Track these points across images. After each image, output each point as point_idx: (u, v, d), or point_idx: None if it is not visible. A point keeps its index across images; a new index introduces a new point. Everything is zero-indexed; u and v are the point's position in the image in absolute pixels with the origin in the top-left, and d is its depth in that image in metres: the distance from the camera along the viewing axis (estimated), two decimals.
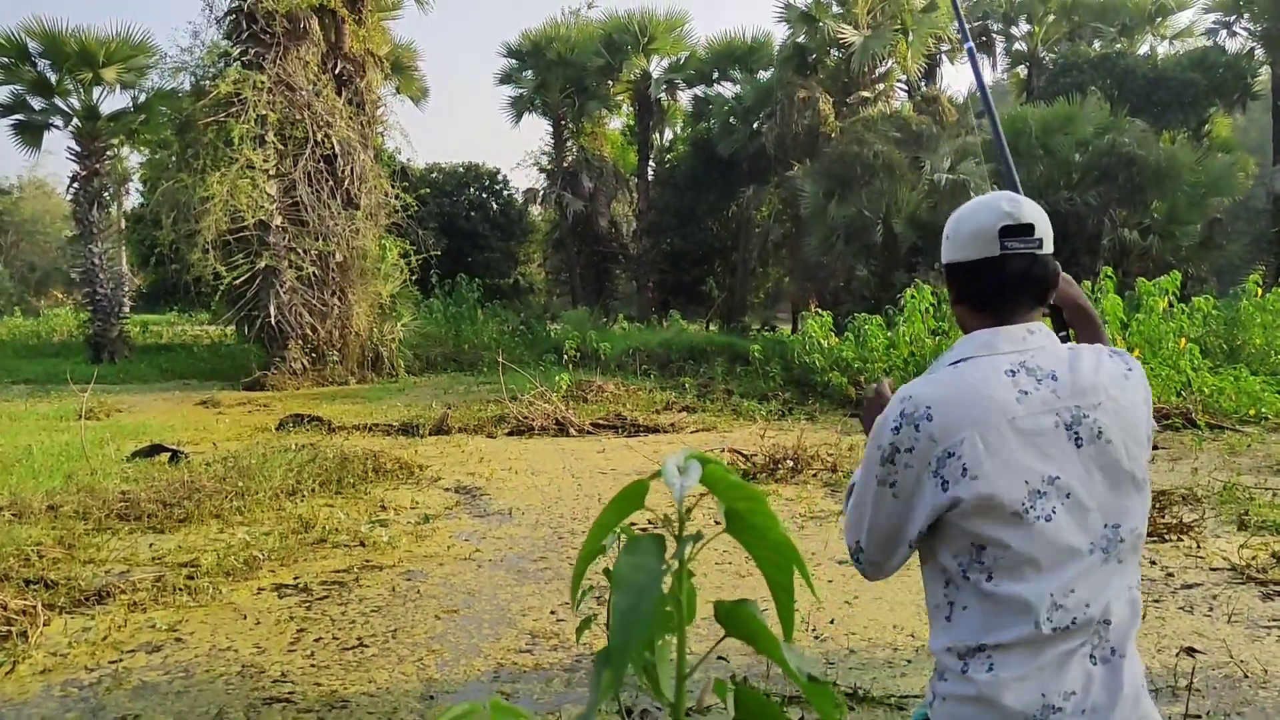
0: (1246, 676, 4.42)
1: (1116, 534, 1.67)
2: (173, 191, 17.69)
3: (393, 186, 20.10)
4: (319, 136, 18.30)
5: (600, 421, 12.48)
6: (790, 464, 9.28)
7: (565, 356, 18.01)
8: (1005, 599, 1.65)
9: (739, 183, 27.43)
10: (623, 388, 15.29)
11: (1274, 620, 5.14)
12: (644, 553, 0.94)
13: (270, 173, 17.67)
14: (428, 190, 24.86)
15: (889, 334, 15.06)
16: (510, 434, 11.91)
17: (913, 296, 14.95)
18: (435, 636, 5.04)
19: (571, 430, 11.98)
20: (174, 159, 18.78)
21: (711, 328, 28.59)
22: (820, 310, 18.28)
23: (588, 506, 7.92)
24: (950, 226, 1.84)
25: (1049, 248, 1.77)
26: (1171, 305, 14.05)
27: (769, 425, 12.24)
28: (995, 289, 1.77)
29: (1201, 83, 27.22)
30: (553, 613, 5.40)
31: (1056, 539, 1.63)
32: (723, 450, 9.72)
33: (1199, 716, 4.00)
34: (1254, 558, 6.18)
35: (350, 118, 19.15)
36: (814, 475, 9.08)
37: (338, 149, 18.62)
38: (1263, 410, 11.79)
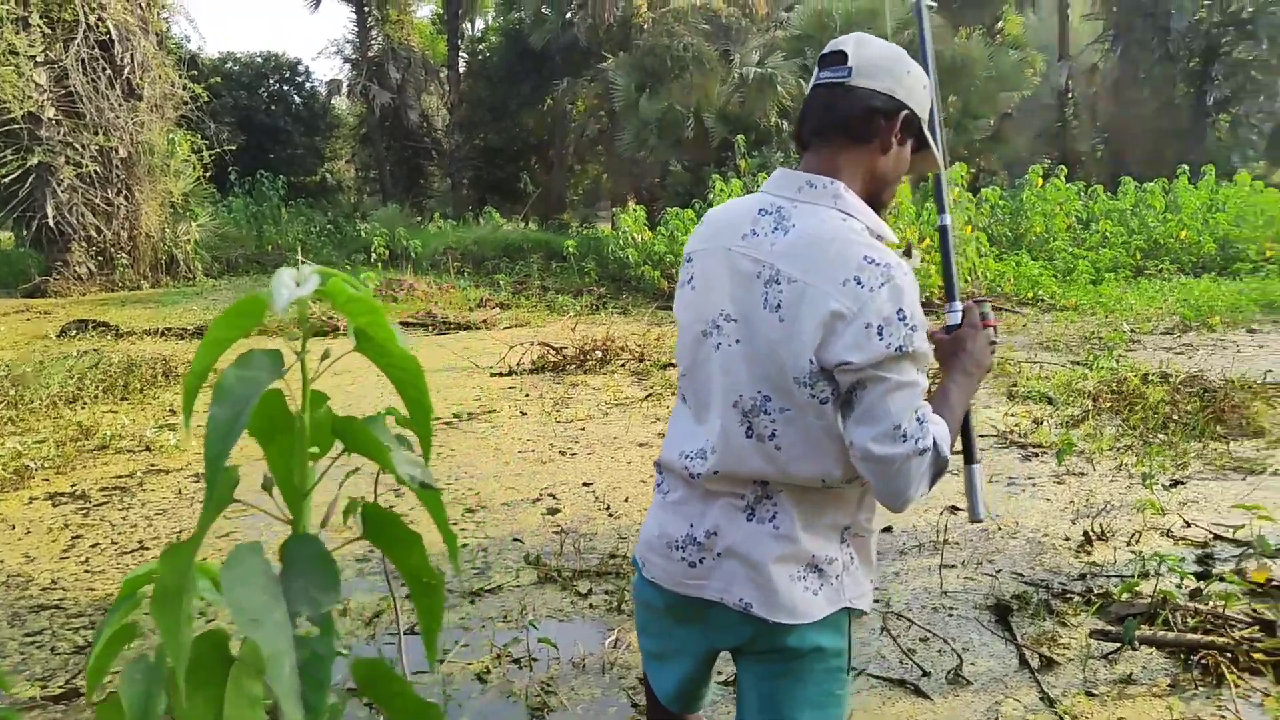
0: (1000, 529, 4.81)
1: (762, 407, 1.62)
2: None
3: (180, 76, 18.72)
4: (92, 19, 16.78)
5: (410, 320, 12.25)
6: (599, 355, 9.37)
7: (374, 256, 17.47)
8: (674, 424, 1.78)
9: (553, 75, 26.83)
10: (435, 286, 15.01)
11: (1029, 478, 5.60)
12: (256, 366, 0.91)
13: (37, 59, 16.13)
14: (218, 80, 23.27)
15: None
16: (315, 335, 11.46)
17: (721, 190, 15.18)
18: (223, 535, 4.88)
19: None
20: None
21: (531, 225, 28.27)
22: (637, 206, 18.32)
23: (392, 403, 7.77)
24: None
25: (868, 81, 1.64)
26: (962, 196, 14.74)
27: (581, 319, 12.30)
28: (800, 120, 1.72)
29: None
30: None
31: (710, 379, 1.68)
32: (533, 343, 9.70)
33: (954, 565, 4.34)
34: (1017, 424, 6.69)
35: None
36: (622, 365, 9.20)
37: (114, 34, 17.13)
38: (1039, 292, 12.64)
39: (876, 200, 1.73)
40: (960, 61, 20.38)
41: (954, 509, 5.08)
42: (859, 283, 1.52)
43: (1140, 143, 26.14)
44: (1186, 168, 18.82)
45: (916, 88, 1.70)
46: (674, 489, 1.75)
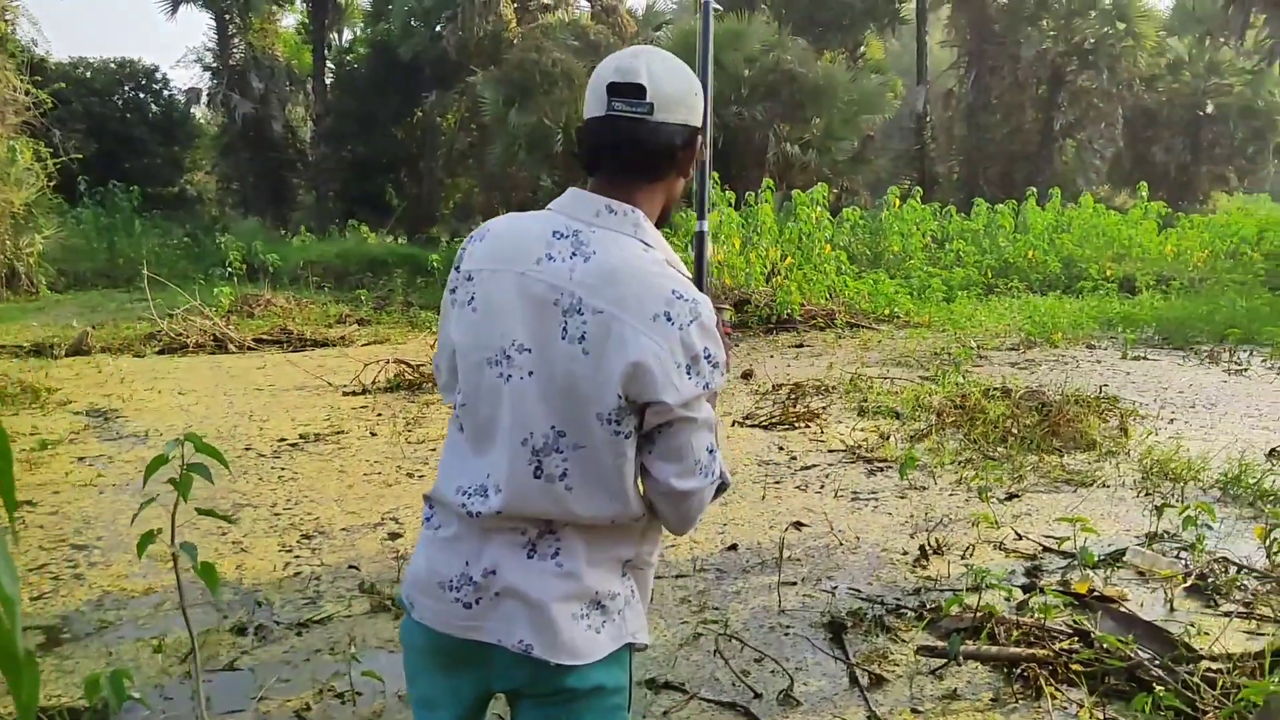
0: (841, 544, 4.86)
1: (554, 445, 1.55)
2: None
3: (22, 81, 17.75)
4: None
5: (264, 337, 11.81)
6: None
7: (230, 270, 16.85)
8: (449, 454, 1.67)
9: (422, 88, 26.52)
10: (294, 301, 14.55)
11: (873, 493, 5.70)
12: None
13: None
14: (64, 85, 22.12)
15: None
16: (161, 353, 11.01)
17: None
18: (35, 569, 4.58)
19: (231, 347, 11.26)
20: None
21: (400, 240, 27.77)
22: None
23: (236, 424, 7.48)
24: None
25: (670, 115, 1.59)
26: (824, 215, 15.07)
27: None
28: (595, 151, 1.63)
29: (858, 6, 29.12)
30: (179, 533, 5.05)
31: (496, 412, 1.57)
32: (390, 361, 9.46)
33: (795, 582, 4.37)
34: (865, 439, 6.82)
35: None
36: None
37: None
38: (895, 310, 13.00)
39: (665, 218, 1.73)
40: (824, 84, 20.87)
41: (799, 524, 5.13)
42: (669, 319, 1.52)
43: (993, 165, 27.27)
44: (1035, 190, 19.73)
45: (700, 105, 1.70)
46: (447, 524, 1.64)
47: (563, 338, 1.52)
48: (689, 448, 1.56)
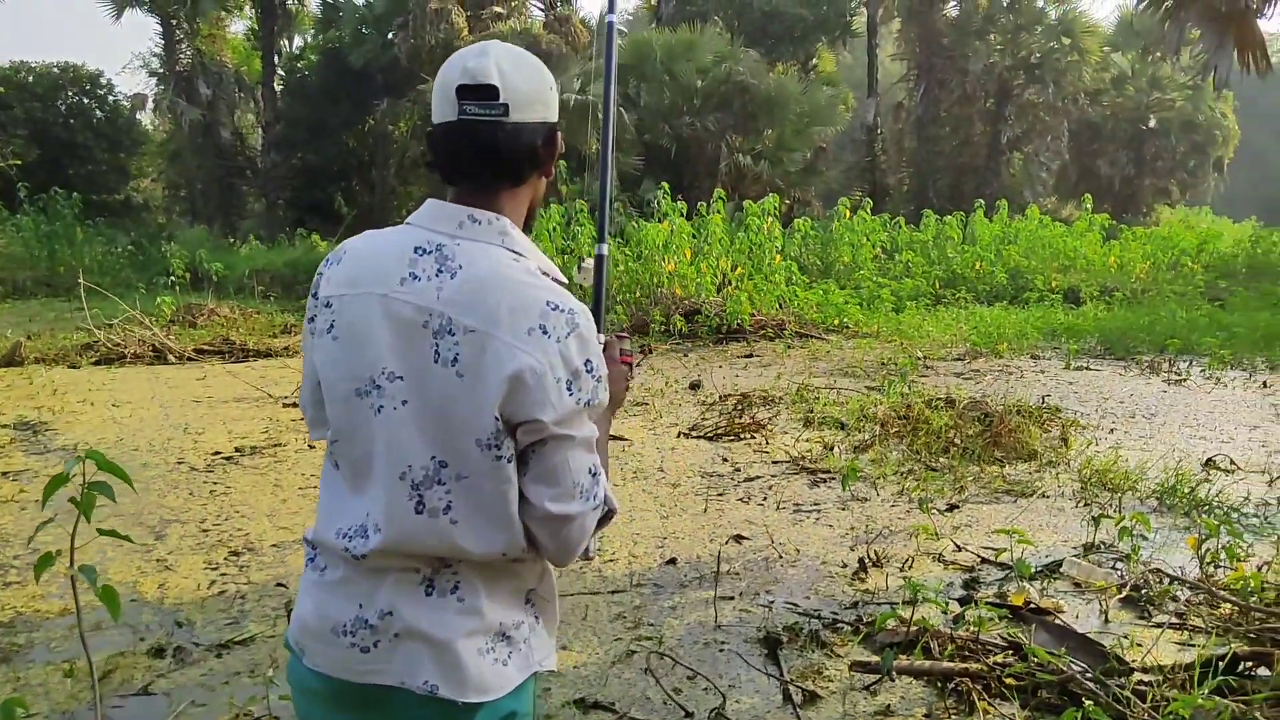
0: (781, 557, 4.82)
1: (436, 477, 1.46)
2: None
3: None
4: None
5: (205, 347, 11.59)
6: None
7: (173, 278, 16.54)
8: (325, 494, 1.57)
9: (374, 95, 26.32)
10: (238, 311, 14.31)
11: (815, 504, 5.67)
12: None
13: None
14: (3, 90, 21.62)
15: None
16: (97, 363, 10.75)
17: (541, 215, 15.08)
18: None
19: (171, 357, 11.03)
20: None
21: None
22: None
23: (170, 437, 7.29)
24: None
25: (527, 114, 1.51)
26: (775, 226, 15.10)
27: None
28: (451, 158, 1.53)
29: (810, 18, 29.35)
30: (102, 551, 4.91)
31: (370, 446, 1.47)
32: None
33: (732, 597, 4.32)
34: (810, 450, 6.80)
35: None
36: None
37: None
38: (844, 320, 13.05)
39: (530, 220, 1.65)
40: (775, 95, 20.99)
41: (739, 537, 5.08)
42: (544, 331, 1.43)
43: (942, 177, 27.61)
44: (983, 202, 19.97)
45: (555, 98, 1.62)
46: (333, 567, 1.54)
47: (435, 361, 1.43)
48: (565, 469, 1.46)
